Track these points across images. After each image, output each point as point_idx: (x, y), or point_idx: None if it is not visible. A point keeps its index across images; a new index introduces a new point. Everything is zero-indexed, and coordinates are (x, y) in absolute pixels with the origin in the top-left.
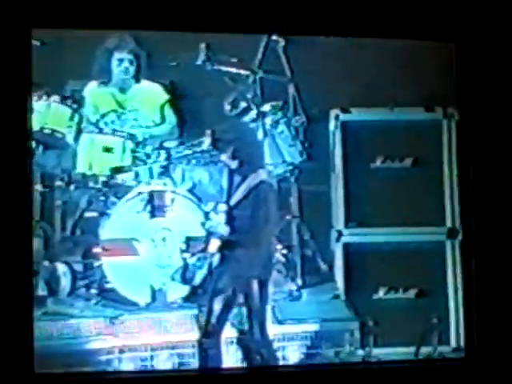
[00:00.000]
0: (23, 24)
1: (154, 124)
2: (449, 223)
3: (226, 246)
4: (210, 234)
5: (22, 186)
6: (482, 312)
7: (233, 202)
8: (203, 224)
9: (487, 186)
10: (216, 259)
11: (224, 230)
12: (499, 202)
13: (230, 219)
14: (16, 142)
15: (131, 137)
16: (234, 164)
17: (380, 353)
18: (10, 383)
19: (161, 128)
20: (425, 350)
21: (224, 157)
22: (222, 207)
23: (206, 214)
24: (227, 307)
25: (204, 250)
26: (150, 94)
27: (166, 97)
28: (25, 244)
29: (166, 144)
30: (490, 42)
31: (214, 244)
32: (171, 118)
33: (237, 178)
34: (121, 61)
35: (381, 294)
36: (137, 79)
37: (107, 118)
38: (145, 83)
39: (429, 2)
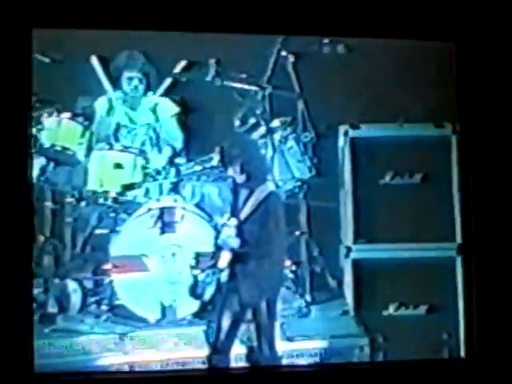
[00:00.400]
0: (23, 24)
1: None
2: (459, 239)
3: (236, 260)
4: (220, 249)
5: (22, 193)
6: (483, 317)
7: (243, 216)
8: (214, 238)
9: (495, 199)
10: (225, 275)
11: (235, 242)
12: (506, 215)
13: (240, 233)
14: (15, 147)
15: (142, 153)
16: (241, 178)
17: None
18: (10, 383)
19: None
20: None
21: (231, 171)
22: (233, 221)
23: (217, 229)
24: (236, 323)
25: (214, 265)
26: (161, 108)
27: (176, 109)
28: (24, 245)
29: (176, 160)
30: (490, 42)
31: (225, 257)
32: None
33: (244, 192)
34: (130, 79)
35: (391, 310)
36: (145, 95)
37: (118, 134)
38: (154, 97)
39: (429, 2)
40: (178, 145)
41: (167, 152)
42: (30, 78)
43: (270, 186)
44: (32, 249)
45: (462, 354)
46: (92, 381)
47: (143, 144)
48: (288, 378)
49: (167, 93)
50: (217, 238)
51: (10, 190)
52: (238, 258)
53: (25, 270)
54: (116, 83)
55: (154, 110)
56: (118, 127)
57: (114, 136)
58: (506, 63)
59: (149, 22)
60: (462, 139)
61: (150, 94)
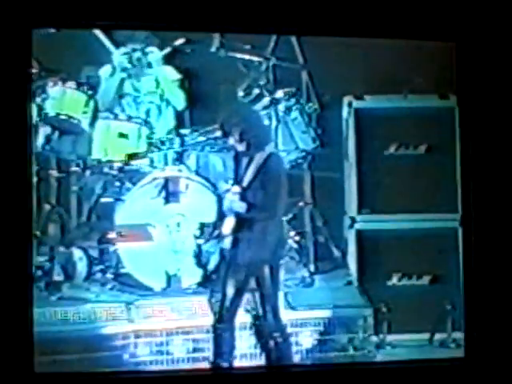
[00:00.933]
0: (23, 24)
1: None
2: (462, 210)
3: (240, 226)
4: (223, 216)
5: (21, 177)
6: (481, 312)
7: (245, 182)
8: (218, 206)
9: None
10: (229, 243)
11: (238, 207)
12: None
13: (244, 200)
14: (16, 138)
15: (146, 123)
16: (243, 148)
17: (394, 339)
18: (10, 383)
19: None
20: (439, 337)
21: (232, 140)
22: (236, 189)
23: (220, 199)
24: (240, 292)
25: (218, 234)
26: (164, 77)
27: (178, 76)
28: (24, 247)
29: (181, 131)
30: (490, 42)
31: (229, 223)
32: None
33: (246, 160)
34: (134, 50)
35: (394, 280)
36: (150, 66)
37: (123, 101)
38: (158, 67)
39: (429, 2)
40: (181, 106)
41: (172, 122)
42: (30, 78)
43: (269, 149)
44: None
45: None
46: (92, 381)
47: (148, 113)
48: (292, 377)
49: (171, 62)
50: (221, 206)
51: (9, 161)
52: (241, 224)
53: (25, 271)
54: (120, 54)
55: (157, 79)
56: (123, 96)
57: (119, 104)
58: (506, 63)
59: (149, 21)
60: (462, 140)
61: (153, 63)
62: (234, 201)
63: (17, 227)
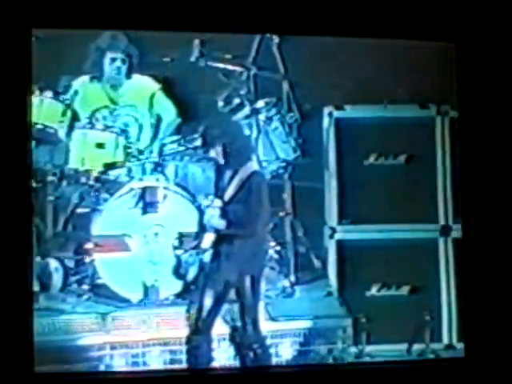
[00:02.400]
0: (23, 24)
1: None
2: (442, 220)
3: (220, 240)
4: (203, 229)
5: (21, 181)
6: (480, 312)
7: (227, 196)
8: (198, 218)
9: (481, 183)
10: (208, 255)
11: (219, 223)
12: (493, 199)
13: (225, 214)
14: (15, 140)
15: (124, 132)
16: (224, 159)
17: (373, 350)
18: (10, 383)
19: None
20: (417, 347)
21: (214, 152)
22: (217, 203)
23: (200, 210)
24: (218, 303)
25: (197, 245)
26: (141, 87)
27: (156, 86)
28: (24, 249)
29: (159, 140)
30: (490, 42)
31: (208, 238)
32: (169, 108)
33: (228, 173)
34: (113, 60)
35: (374, 290)
36: (128, 76)
37: (99, 114)
38: (136, 77)
39: (429, 2)
40: (167, 116)
41: (149, 132)
42: (30, 78)
43: (254, 166)
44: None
45: (445, 338)
46: (91, 381)
47: (126, 125)
48: (275, 377)
49: (150, 71)
50: (201, 218)
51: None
52: (221, 238)
53: (24, 271)
54: (98, 63)
55: (135, 90)
56: (99, 107)
57: (96, 116)
58: (506, 63)
59: (147, 21)
60: (461, 140)
61: (132, 74)
62: (213, 216)
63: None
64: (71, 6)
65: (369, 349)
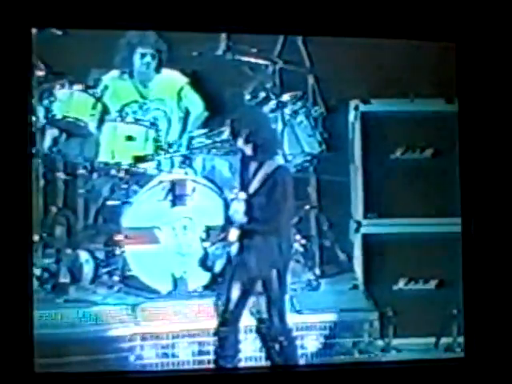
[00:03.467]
0: (23, 24)
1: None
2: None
3: (246, 234)
4: (229, 223)
5: (22, 181)
6: (480, 312)
7: (251, 190)
8: (224, 211)
9: (482, 180)
10: (235, 248)
11: (244, 217)
12: (493, 197)
13: (250, 208)
14: (16, 140)
15: (154, 126)
16: (250, 151)
17: (399, 343)
18: (10, 383)
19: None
20: (444, 341)
21: (240, 142)
22: (242, 195)
23: (227, 202)
24: (245, 296)
25: (224, 238)
26: (170, 81)
27: (184, 80)
28: (24, 247)
29: (188, 133)
30: (490, 42)
31: (235, 231)
32: (197, 101)
33: (253, 165)
34: (143, 55)
35: (401, 284)
36: (158, 71)
37: (129, 108)
38: (165, 72)
39: (429, 2)
40: (194, 109)
41: (179, 125)
42: (30, 79)
43: (279, 160)
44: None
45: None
46: (92, 381)
47: (155, 118)
48: (296, 378)
49: (178, 66)
50: (227, 211)
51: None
52: (247, 231)
53: (24, 272)
54: (128, 58)
55: (164, 85)
56: (129, 102)
57: (125, 110)
58: (506, 63)
59: (149, 21)
60: (462, 139)
61: (161, 69)
62: (238, 209)
63: (17, 229)
64: (72, 6)
65: (395, 342)
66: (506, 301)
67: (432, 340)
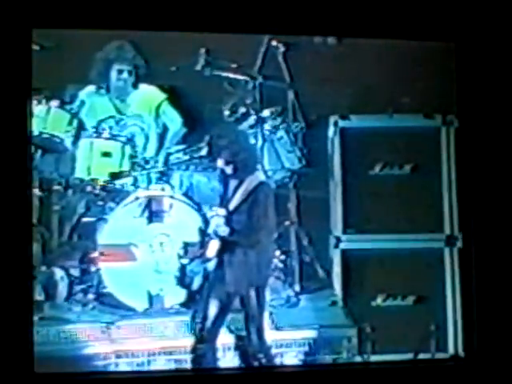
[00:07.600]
0: (23, 25)
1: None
2: (447, 230)
3: (225, 249)
4: (209, 238)
5: (21, 190)
6: (482, 317)
7: (232, 206)
8: (203, 227)
9: (485, 192)
10: (213, 264)
11: (224, 231)
12: (497, 208)
13: (229, 224)
14: (16, 146)
15: (130, 142)
16: (230, 169)
17: (378, 360)
18: (10, 383)
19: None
20: (422, 357)
21: (220, 162)
22: (222, 212)
23: (205, 219)
24: (223, 313)
25: (202, 254)
26: (148, 97)
27: (163, 96)
28: (24, 246)
29: (165, 150)
30: (490, 42)
31: (213, 247)
32: (175, 117)
33: (233, 183)
34: (120, 72)
35: (379, 300)
36: (135, 87)
37: (105, 124)
38: (143, 87)
39: (429, 2)
40: (173, 126)
41: (155, 142)
42: (29, 78)
43: (260, 176)
44: (31, 251)
45: (450, 348)
46: (92, 381)
47: (132, 134)
48: (279, 378)
49: (156, 81)
50: (206, 227)
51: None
52: (226, 247)
53: (25, 272)
54: (104, 74)
55: (142, 100)
56: (106, 117)
57: (102, 126)
58: (506, 63)
59: (147, 22)
60: (460, 136)
61: (139, 84)
62: (218, 225)
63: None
64: (72, 6)
65: (374, 358)
66: (506, 301)
67: (410, 356)
